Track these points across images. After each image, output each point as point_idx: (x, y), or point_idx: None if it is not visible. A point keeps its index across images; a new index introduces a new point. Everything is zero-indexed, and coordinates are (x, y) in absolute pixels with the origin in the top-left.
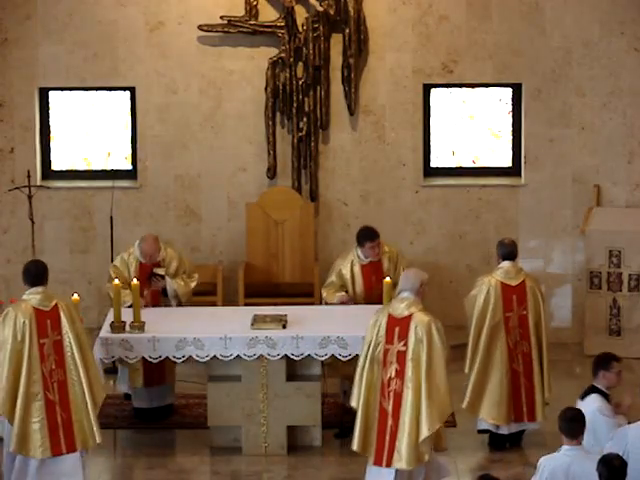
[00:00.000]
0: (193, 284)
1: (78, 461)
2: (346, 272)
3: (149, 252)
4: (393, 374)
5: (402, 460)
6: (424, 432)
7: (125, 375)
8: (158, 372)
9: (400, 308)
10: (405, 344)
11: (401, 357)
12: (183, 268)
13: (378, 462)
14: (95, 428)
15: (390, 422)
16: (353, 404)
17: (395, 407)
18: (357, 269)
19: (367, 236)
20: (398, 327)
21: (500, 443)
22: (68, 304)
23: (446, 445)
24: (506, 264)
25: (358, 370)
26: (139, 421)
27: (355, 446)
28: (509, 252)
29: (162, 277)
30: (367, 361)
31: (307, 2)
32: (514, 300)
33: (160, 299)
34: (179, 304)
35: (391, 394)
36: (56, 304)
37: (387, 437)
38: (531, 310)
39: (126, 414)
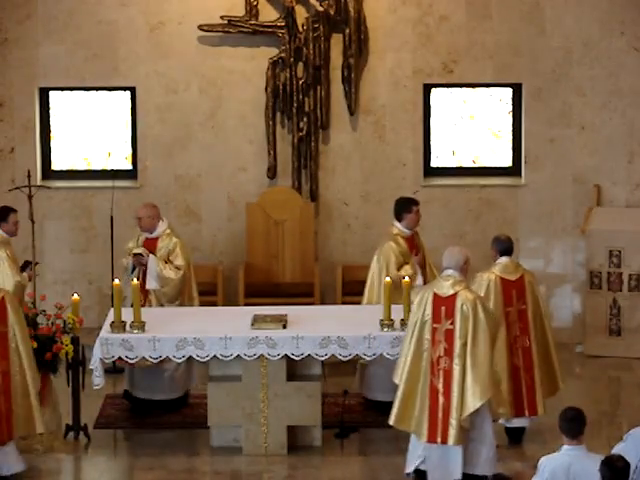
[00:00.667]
0: (177, 275)
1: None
2: (398, 246)
3: (139, 215)
4: (442, 352)
5: (455, 437)
6: (468, 409)
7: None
8: None
9: (445, 287)
10: (452, 322)
11: (449, 335)
12: (173, 257)
13: (432, 439)
14: (37, 417)
15: (442, 400)
16: (395, 380)
17: (446, 385)
18: (403, 243)
19: (412, 201)
20: (444, 306)
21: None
22: (11, 295)
23: (502, 412)
24: (504, 259)
25: (403, 348)
26: (139, 416)
27: (392, 420)
28: (507, 247)
29: (141, 255)
30: (413, 339)
31: (307, 2)
32: (513, 295)
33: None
34: (159, 299)
35: (441, 372)
36: (3, 296)
37: (440, 414)
38: (530, 304)
39: (126, 414)
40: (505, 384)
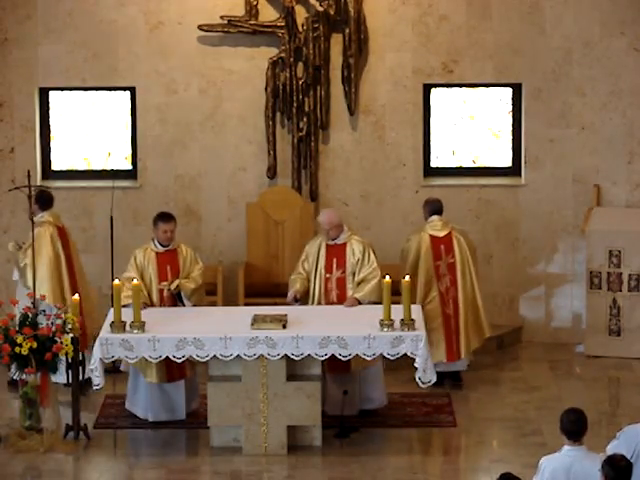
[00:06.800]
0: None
1: None
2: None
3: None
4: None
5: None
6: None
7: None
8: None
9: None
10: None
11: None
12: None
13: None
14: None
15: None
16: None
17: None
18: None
19: None
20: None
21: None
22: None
23: None
24: (435, 218)
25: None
26: (139, 421)
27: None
28: (437, 208)
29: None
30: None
31: (307, 2)
32: (442, 250)
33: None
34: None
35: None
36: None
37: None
38: (458, 259)
39: (126, 414)
40: (442, 332)
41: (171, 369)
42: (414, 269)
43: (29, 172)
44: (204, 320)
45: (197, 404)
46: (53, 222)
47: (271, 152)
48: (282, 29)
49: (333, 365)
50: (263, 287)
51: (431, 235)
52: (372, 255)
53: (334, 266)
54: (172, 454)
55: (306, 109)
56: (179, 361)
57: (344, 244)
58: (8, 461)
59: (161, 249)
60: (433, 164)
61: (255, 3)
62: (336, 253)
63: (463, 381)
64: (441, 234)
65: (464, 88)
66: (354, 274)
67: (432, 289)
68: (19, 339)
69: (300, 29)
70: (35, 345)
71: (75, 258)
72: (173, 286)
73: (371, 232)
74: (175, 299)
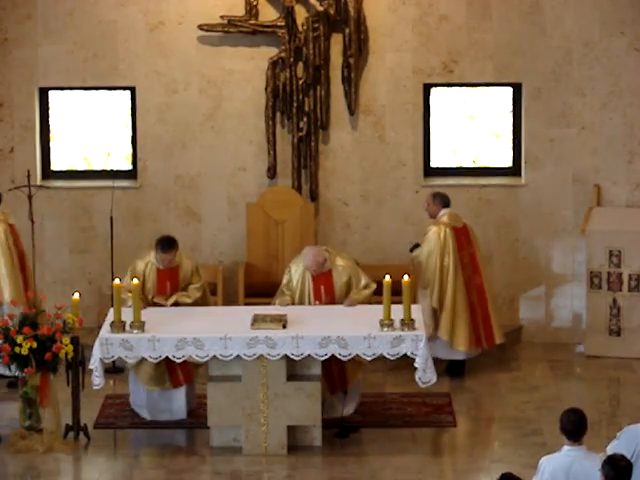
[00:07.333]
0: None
1: None
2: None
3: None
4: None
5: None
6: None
7: None
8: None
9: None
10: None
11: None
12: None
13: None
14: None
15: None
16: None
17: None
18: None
19: None
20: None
21: (459, 369)
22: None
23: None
24: (447, 211)
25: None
26: (139, 421)
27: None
28: (448, 201)
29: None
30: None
31: (307, 2)
32: (463, 240)
33: None
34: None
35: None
36: None
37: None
38: (477, 247)
39: (126, 414)
40: (469, 320)
41: (174, 374)
42: (442, 259)
43: (29, 172)
44: (204, 320)
45: (193, 404)
46: (4, 219)
47: (271, 152)
48: (282, 29)
49: (332, 386)
50: (263, 287)
51: (453, 226)
52: (360, 273)
53: (322, 293)
54: (172, 454)
55: (306, 109)
56: (179, 361)
57: (329, 270)
58: (8, 461)
59: (162, 266)
60: (433, 164)
61: (255, 3)
62: (323, 281)
63: (464, 372)
64: (460, 225)
65: (464, 88)
66: (345, 293)
67: (458, 278)
68: (19, 339)
69: (300, 29)
70: (35, 345)
71: (25, 256)
72: (169, 302)
73: (371, 232)
74: None
